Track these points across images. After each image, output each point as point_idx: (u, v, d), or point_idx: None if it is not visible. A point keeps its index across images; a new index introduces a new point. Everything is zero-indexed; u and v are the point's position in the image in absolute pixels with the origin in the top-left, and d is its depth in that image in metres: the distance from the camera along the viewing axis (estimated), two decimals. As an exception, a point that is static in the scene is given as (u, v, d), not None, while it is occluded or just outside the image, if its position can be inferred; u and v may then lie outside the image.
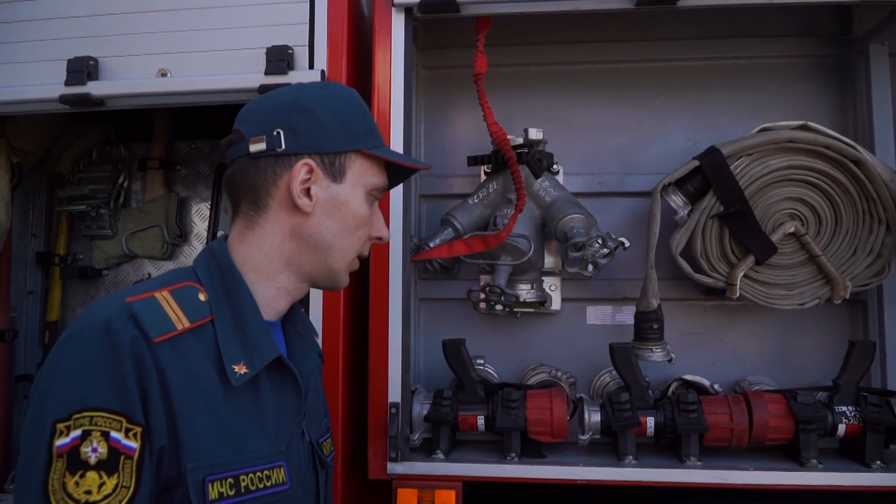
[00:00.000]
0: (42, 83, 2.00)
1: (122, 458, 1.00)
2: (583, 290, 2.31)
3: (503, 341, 2.36)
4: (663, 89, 2.36)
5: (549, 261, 2.30)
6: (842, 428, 1.88)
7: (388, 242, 1.93)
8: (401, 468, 1.91)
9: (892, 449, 1.89)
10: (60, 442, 0.99)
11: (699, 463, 1.90)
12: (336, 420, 1.88)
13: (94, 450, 0.99)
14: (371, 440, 1.93)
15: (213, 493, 1.09)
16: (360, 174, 1.26)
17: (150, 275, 2.78)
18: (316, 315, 1.92)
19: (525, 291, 2.18)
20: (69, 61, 1.99)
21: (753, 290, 2.02)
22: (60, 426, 0.99)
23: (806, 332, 2.23)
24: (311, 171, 1.21)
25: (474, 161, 2.21)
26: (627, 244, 2.00)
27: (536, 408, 1.96)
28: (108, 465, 0.99)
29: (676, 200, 2.03)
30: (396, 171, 1.37)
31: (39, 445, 0.99)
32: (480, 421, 1.98)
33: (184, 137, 2.84)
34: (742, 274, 1.98)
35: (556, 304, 2.30)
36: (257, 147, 1.22)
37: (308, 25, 1.97)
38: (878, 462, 1.83)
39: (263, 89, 1.94)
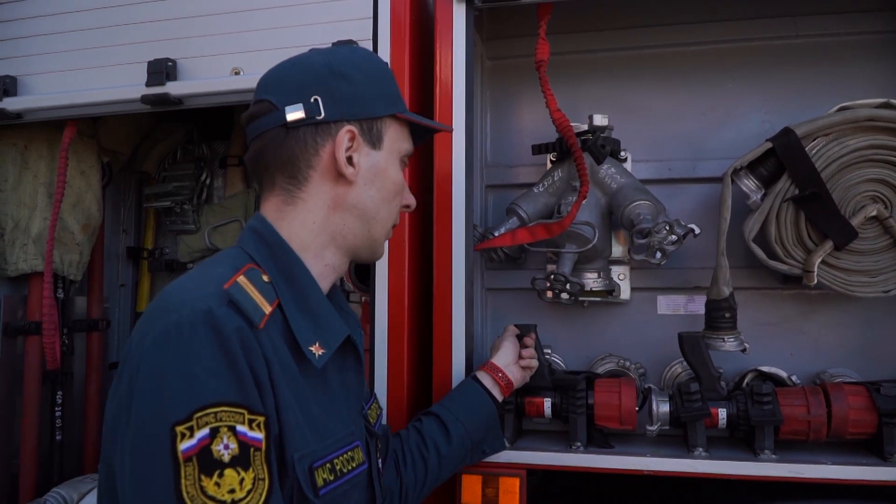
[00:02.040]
0: (125, 85, 2.12)
1: (252, 450, 0.96)
2: (653, 279, 2.26)
3: (571, 331, 2.33)
4: (736, 71, 2.27)
5: (617, 249, 2.26)
6: (930, 422, 1.77)
7: (452, 232, 1.95)
8: (465, 455, 1.93)
9: None
10: (186, 445, 0.92)
11: (774, 456, 1.83)
12: (402, 407, 1.91)
13: (226, 446, 0.94)
14: (436, 427, 1.96)
15: (319, 480, 1.08)
16: (395, 139, 1.24)
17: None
18: (381, 303, 1.95)
19: (591, 280, 2.15)
20: (149, 63, 2.10)
21: (833, 278, 1.93)
22: (181, 429, 0.92)
23: (892, 321, 2.11)
24: (353, 138, 1.18)
25: (539, 150, 2.19)
26: (698, 231, 1.94)
27: (604, 392, 1.94)
28: (242, 460, 0.95)
29: (749, 184, 1.96)
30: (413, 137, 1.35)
31: (159, 453, 0.92)
32: (547, 405, 1.96)
33: (261, 135, 2.95)
34: (820, 260, 1.90)
35: (624, 293, 2.26)
36: (295, 115, 1.15)
37: (372, 20, 2.01)
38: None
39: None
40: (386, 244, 1.31)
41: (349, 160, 1.19)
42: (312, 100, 1.16)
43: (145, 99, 2.10)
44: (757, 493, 1.88)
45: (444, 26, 1.98)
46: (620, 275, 2.26)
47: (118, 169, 2.81)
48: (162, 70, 2.09)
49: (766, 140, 1.93)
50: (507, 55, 2.43)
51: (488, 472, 1.91)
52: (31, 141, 2.46)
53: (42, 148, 2.47)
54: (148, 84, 2.10)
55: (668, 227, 1.92)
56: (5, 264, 2.40)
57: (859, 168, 1.85)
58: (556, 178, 2.18)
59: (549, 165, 2.28)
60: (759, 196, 1.96)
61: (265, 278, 1.11)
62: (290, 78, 1.20)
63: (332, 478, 1.11)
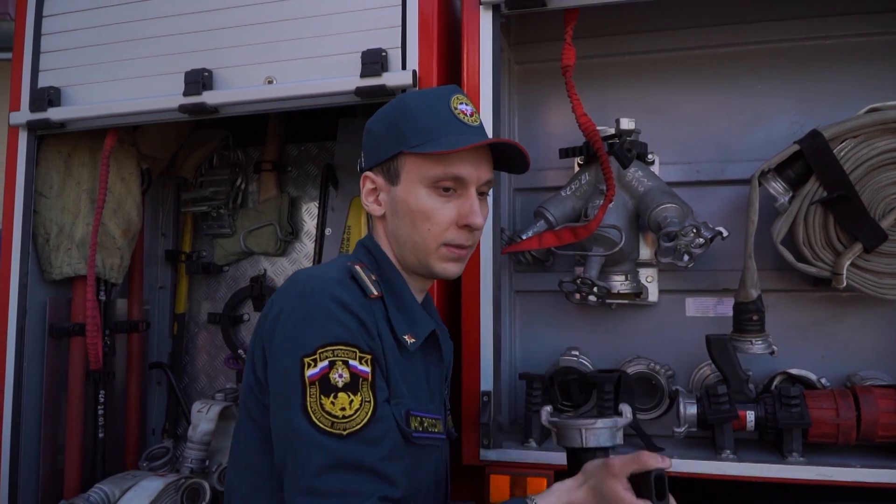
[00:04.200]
0: (163, 94, 2.20)
1: (360, 379, 1.23)
2: (682, 281, 2.27)
3: (599, 333, 2.35)
4: (764, 72, 2.27)
5: (645, 252, 2.27)
6: (962, 426, 1.76)
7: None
8: (493, 455, 1.96)
9: None
10: (311, 372, 1.21)
11: (802, 459, 1.83)
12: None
13: (340, 375, 1.21)
14: (465, 427, 1.99)
15: (414, 424, 1.35)
16: (413, 171, 1.37)
17: (265, 270, 2.97)
18: None
19: (619, 283, 2.17)
20: (186, 73, 2.17)
21: (863, 280, 1.92)
22: (308, 360, 1.22)
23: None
24: (371, 181, 1.43)
25: (566, 153, 2.22)
26: (726, 234, 1.95)
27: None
28: (352, 387, 1.22)
29: (776, 187, 1.96)
30: (503, 158, 1.46)
31: (293, 376, 1.22)
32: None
33: (294, 140, 3.02)
34: (849, 262, 1.89)
35: (653, 295, 2.27)
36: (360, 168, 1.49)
37: (400, 28, 2.05)
38: None
39: (359, 92, 2.04)
40: (445, 266, 1.42)
41: (377, 200, 1.44)
42: (360, 158, 1.48)
43: (183, 108, 2.17)
44: (786, 497, 1.88)
45: (471, 33, 2.02)
46: (648, 277, 2.27)
47: (157, 175, 2.89)
48: (198, 80, 2.16)
49: (794, 142, 1.93)
50: (535, 59, 2.46)
51: (516, 472, 1.94)
52: (75, 149, 2.55)
53: (85, 156, 2.56)
54: (185, 94, 2.17)
55: (695, 230, 1.92)
56: (50, 268, 2.49)
57: (889, 170, 1.84)
58: (583, 182, 2.20)
59: (576, 169, 2.30)
60: (786, 199, 1.96)
61: (373, 276, 1.39)
62: None
63: (420, 428, 1.36)
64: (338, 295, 1.27)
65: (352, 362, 1.23)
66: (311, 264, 2.79)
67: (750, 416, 1.90)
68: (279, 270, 2.97)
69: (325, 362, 1.22)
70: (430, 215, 1.37)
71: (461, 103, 1.41)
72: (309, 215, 2.97)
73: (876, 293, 1.91)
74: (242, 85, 2.18)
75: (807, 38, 2.24)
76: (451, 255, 1.40)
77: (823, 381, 2.02)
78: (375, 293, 1.34)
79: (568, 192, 2.21)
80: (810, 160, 1.88)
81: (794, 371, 2.07)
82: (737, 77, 2.30)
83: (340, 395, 1.21)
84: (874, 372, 2.08)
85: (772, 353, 1.94)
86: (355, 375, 1.23)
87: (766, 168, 1.94)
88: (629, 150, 2.04)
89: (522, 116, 2.48)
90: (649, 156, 2.24)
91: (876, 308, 2.13)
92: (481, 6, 1.99)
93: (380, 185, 1.43)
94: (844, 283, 1.89)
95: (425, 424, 1.38)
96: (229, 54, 2.19)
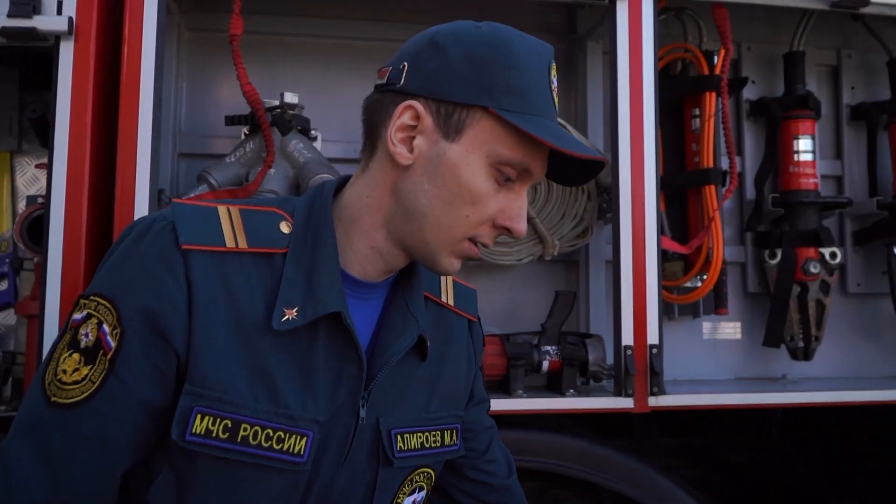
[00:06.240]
0: None
1: (101, 352, 0.99)
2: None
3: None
4: (415, 68, 2.57)
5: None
6: (545, 364, 2.19)
7: (135, 196, 1.95)
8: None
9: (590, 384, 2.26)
10: (75, 316, 1.03)
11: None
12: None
13: (86, 335, 1.00)
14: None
15: (199, 427, 1.00)
16: (484, 139, 1.03)
17: None
18: (54, 268, 1.86)
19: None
20: None
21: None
22: (82, 301, 1.03)
23: (530, 286, 2.55)
24: (416, 116, 1.04)
25: (231, 121, 2.29)
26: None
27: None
28: (90, 354, 0.99)
29: (416, 165, 2.25)
30: (566, 163, 1.10)
31: (72, 312, 1.04)
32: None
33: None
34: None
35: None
36: (381, 79, 1.10)
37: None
38: (572, 391, 2.16)
39: (4, 32, 1.89)
40: (453, 261, 1.10)
41: (410, 141, 1.05)
42: (401, 66, 1.08)
43: None
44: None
45: (133, -12, 1.99)
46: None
47: None
48: None
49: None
50: (207, 28, 2.48)
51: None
52: None
53: None
54: None
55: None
56: None
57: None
58: (247, 150, 2.29)
59: (243, 138, 2.38)
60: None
61: (284, 228, 1.09)
62: (407, 44, 1.13)
63: (223, 436, 1.01)
64: (139, 239, 1.02)
65: (105, 327, 0.99)
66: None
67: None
68: None
69: (84, 312, 1.01)
70: (478, 199, 1.04)
71: (554, 75, 1.11)
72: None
73: (491, 259, 2.30)
74: None
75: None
76: (469, 252, 1.09)
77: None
78: (234, 247, 1.04)
79: (232, 159, 2.29)
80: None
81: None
82: (392, 69, 2.57)
83: (75, 355, 1.00)
84: (489, 327, 2.48)
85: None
86: (99, 343, 0.99)
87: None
88: (290, 120, 2.18)
89: (191, 82, 2.49)
90: (312, 131, 2.40)
91: (493, 274, 2.53)
92: (145, -42, 1.98)
93: (426, 128, 1.04)
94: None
95: (243, 434, 1.01)
96: None
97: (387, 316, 1.17)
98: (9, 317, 2.26)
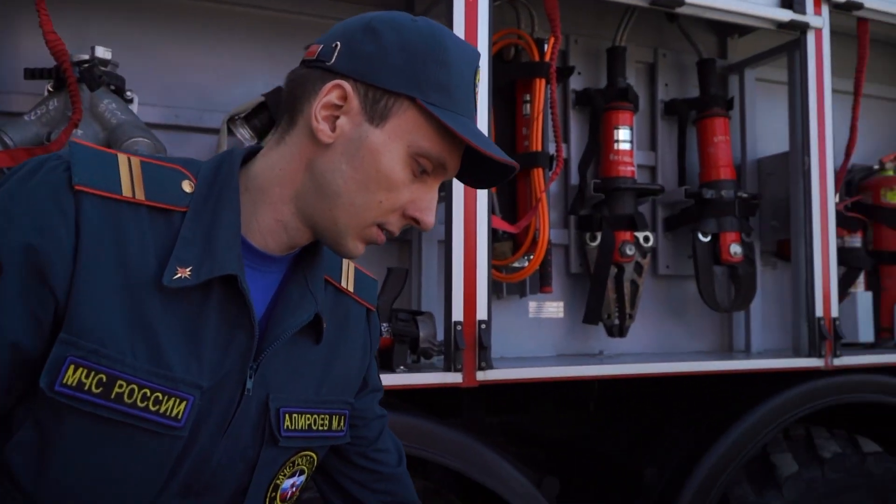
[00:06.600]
0: None
1: None
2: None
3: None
4: (245, 34, 2.46)
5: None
6: (376, 341, 2.17)
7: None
8: None
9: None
10: None
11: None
12: None
13: None
14: None
15: (70, 378, 0.94)
16: (406, 128, 1.05)
17: None
18: None
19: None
20: None
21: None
22: None
23: (363, 264, 2.48)
24: (344, 97, 1.04)
25: (32, 74, 2.06)
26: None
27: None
28: None
29: (244, 133, 2.15)
30: (479, 165, 1.12)
31: None
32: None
33: None
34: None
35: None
36: (310, 55, 1.08)
37: None
38: (402, 367, 2.15)
39: None
40: (358, 245, 1.10)
41: (333, 121, 1.05)
42: (333, 45, 1.06)
43: None
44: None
45: None
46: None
47: None
48: None
49: (261, 95, 2.14)
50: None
51: None
52: None
53: None
54: None
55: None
56: None
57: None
58: (50, 108, 2.06)
59: (46, 94, 2.15)
60: (253, 144, 2.16)
61: (186, 187, 1.05)
62: (340, 25, 1.11)
63: (96, 390, 0.95)
64: (34, 178, 0.96)
65: None
66: None
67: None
68: None
69: None
70: (393, 187, 1.07)
71: (479, 80, 1.15)
72: None
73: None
74: None
75: (285, 12, 2.50)
76: (376, 238, 1.11)
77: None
78: (132, 197, 0.99)
79: (32, 118, 2.05)
80: (272, 112, 2.12)
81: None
82: (220, 33, 2.44)
83: None
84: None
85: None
86: None
87: (234, 114, 2.11)
88: (99, 75, 1.99)
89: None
90: (128, 93, 2.21)
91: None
92: None
93: (351, 110, 1.05)
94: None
95: (118, 390, 0.97)
96: None
97: (284, 290, 1.15)
98: None
